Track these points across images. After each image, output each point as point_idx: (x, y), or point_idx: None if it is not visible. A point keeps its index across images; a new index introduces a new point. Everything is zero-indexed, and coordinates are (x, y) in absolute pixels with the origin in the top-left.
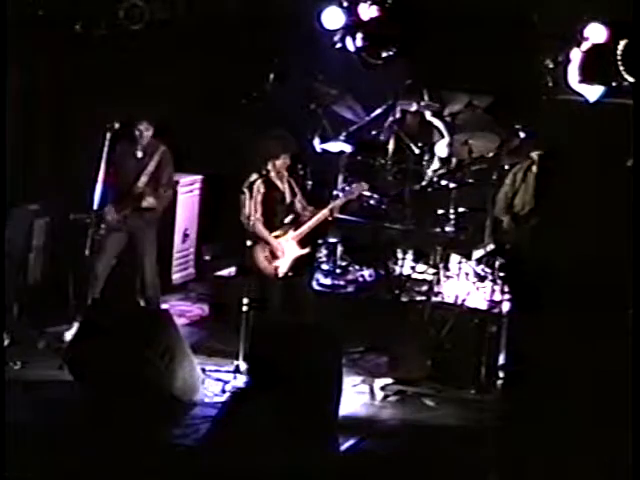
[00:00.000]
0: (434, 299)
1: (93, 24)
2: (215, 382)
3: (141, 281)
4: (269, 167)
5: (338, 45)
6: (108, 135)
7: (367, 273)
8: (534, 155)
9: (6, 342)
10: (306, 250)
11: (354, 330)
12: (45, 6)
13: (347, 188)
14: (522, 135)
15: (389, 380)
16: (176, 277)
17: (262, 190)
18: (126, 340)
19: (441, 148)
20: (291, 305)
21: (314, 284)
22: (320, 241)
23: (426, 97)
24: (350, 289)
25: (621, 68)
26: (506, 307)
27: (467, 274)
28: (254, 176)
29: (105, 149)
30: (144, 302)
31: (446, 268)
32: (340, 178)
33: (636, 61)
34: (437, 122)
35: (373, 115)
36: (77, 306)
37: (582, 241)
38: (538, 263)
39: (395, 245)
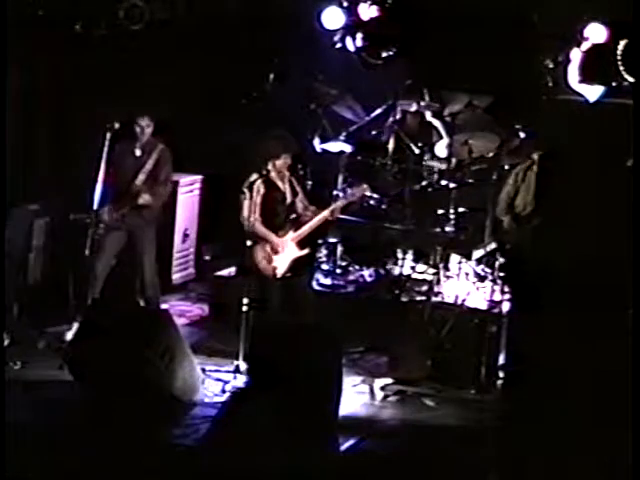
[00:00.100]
0: (434, 299)
1: (93, 24)
2: (215, 382)
3: (141, 281)
4: (269, 167)
5: (338, 45)
6: (108, 135)
7: (367, 273)
8: (535, 156)
9: (6, 342)
10: (305, 251)
11: (354, 330)
12: (45, 6)
13: (349, 190)
14: (522, 135)
15: (389, 380)
16: (176, 277)
17: (262, 190)
18: (126, 340)
19: (441, 148)
20: (291, 305)
21: (314, 284)
22: (320, 241)
23: (426, 97)
24: (350, 289)
25: (621, 68)
26: (506, 307)
27: (467, 274)
28: (254, 176)
29: (105, 149)
30: (144, 302)
31: (446, 268)
32: (340, 178)
33: (636, 61)
34: (437, 122)
35: (373, 115)
36: (77, 306)
37: (582, 241)
38: (538, 263)
39: (395, 245)
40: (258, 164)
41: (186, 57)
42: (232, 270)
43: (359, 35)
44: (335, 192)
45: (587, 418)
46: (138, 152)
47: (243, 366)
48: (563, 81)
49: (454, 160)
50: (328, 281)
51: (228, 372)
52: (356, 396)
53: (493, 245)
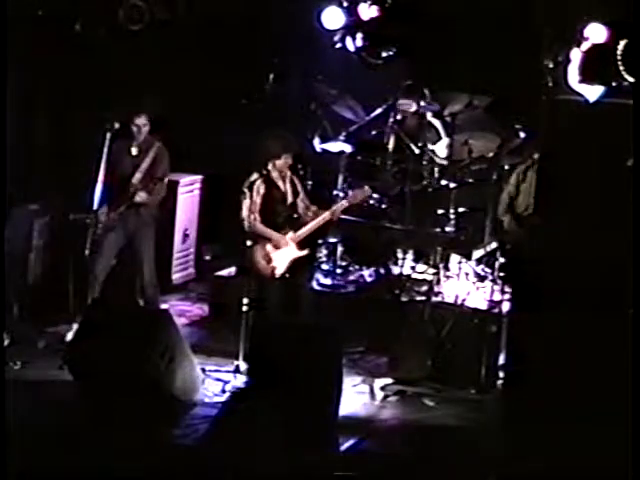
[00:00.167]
0: (434, 299)
1: (93, 24)
2: (215, 382)
3: (140, 281)
4: (270, 167)
5: (338, 45)
6: (108, 135)
7: (367, 273)
8: (536, 156)
9: (6, 342)
10: (305, 252)
11: (354, 330)
12: (45, 6)
13: (350, 192)
14: (522, 135)
15: (389, 380)
16: (176, 277)
17: (262, 190)
18: (126, 340)
19: (441, 148)
20: (290, 305)
21: (314, 284)
22: (320, 241)
23: (428, 97)
24: (350, 289)
25: (621, 68)
26: (506, 307)
27: (467, 274)
28: (254, 176)
29: (105, 149)
30: (144, 302)
31: (446, 268)
32: (340, 178)
33: (636, 61)
34: (437, 122)
35: (373, 115)
36: (77, 306)
37: (582, 241)
38: (538, 263)
39: (395, 245)
40: (259, 164)
41: (186, 57)
42: (232, 270)
43: (359, 35)
44: (335, 192)
45: (587, 418)
46: (135, 151)
47: (243, 366)
48: (563, 81)
49: (452, 160)
50: (328, 281)
51: (228, 372)
52: (356, 396)
53: (493, 245)
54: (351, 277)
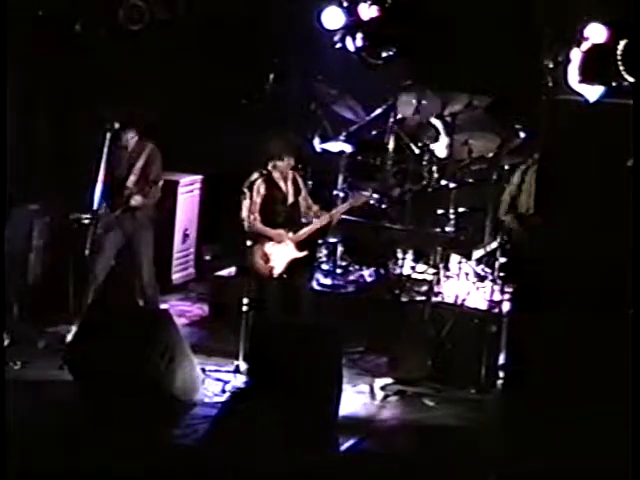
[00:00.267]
0: (434, 299)
1: (93, 24)
2: (215, 382)
3: (139, 282)
4: (271, 167)
5: (338, 45)
6: (108, 135)
7: (367, 273)
8: (537, 156)
9: (6, 342)
10: (303, 253)
11: (354, 330)
12: (45, 6)
13: (350, 193)
14: (522, 135)
15: (389, 380)
16: (176, 277)
17: (262, 190)
18: (126, 340)
19: (441, 148)
20: (290, 305)
21: (314, 284)
22: (320, 241)
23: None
24: (350, 289)
25: (621, 68)
26: (506, 307)
27: (467, 274)
28: (255, 175)
29: (105, 149)
30: (143, 302)
31: (446, 268)
32: (340, 178)
33: (636, 61)
34: (437, 122)
35: (373, 115)
36: (77, 306)
37: (582, 241)
38: (538, 263)
39: (395, 245)
40: (260, 164)
41: (186, 57)
42: (232, 270)
43: (359, 35)
44: (335, 192)
45: (587, 418)
46: (128, 153)
47: (243, 366)
48: (563, 81)
49: (452, 160)
50: (328, 281)
51: (228, 372)
52: (356, 396)
53: (493, 245)
54: (351, 277)
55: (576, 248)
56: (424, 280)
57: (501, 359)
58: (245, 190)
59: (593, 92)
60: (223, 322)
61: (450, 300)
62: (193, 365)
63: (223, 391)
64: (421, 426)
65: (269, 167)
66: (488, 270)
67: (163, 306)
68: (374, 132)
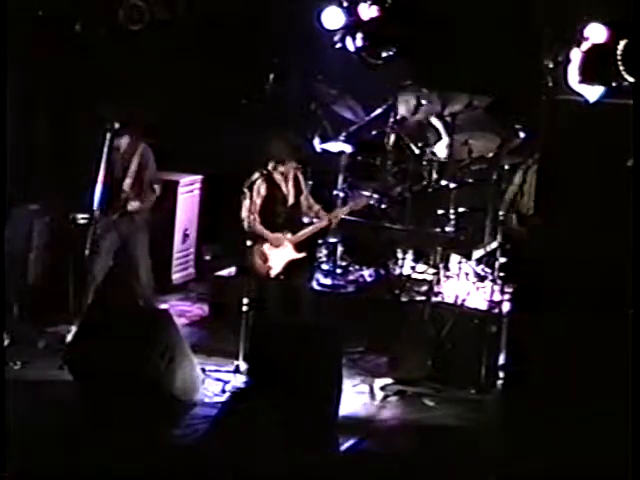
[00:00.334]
0: (434, 299)
1: (93, 24)
2: (215, 382)
3: (137, 283)
4: (271, 168)
5: (338, 45)
6: (108, 135)
7: (367, 273)
8: (537, 156)
9: (6, 342)
10: (301, 254)
11: (354, 330)
12: (45, 6)
13: (350, 195)
14: (522, 135)
15: (389, 380)
16: (176, 277)
17: (263, 190)
18: (126, 340)
19: (441, 148)
20: (290, 305)
21: (314, 284)
22: (320, 241)
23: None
24: (350, 289)
25: (621, 68)
26: (506, 307)
27: (467, 274)
28: (255, 175)
29: (105, 149)
30: (141, 303)
31: (446, 268)
32: (340, 178)
33: (636, 61)
34: (437, 122)
35: (373, 115)
36: (77, 306)
37: (582, 241)
38: (538, 263)
39: (395, 245)
40: (261, 164)
41: (186, 57)
42: (232, 270)
43: (359, 35)
44: (335, 192)
45: (587, 418)
46: (121, 156)
47: (243, 366)
48: (563, 81)
49: (452, 160)
50: (328, 281)
51: (228, 372)
52: (356, 396)
53: (493, 245)
54: (351, 277)
55: (576, 248)
56: (424, 280)
57: (501, 359)
58: (245, 190)
59: (593, 92)
60: (223, 322)
61: (450, 300)
62: (193, 365)
63: (223, 391)
64: (421, 426)
65: (270, 167)
66: (488, 270)
67: (163, 306)
68: (374, 132)
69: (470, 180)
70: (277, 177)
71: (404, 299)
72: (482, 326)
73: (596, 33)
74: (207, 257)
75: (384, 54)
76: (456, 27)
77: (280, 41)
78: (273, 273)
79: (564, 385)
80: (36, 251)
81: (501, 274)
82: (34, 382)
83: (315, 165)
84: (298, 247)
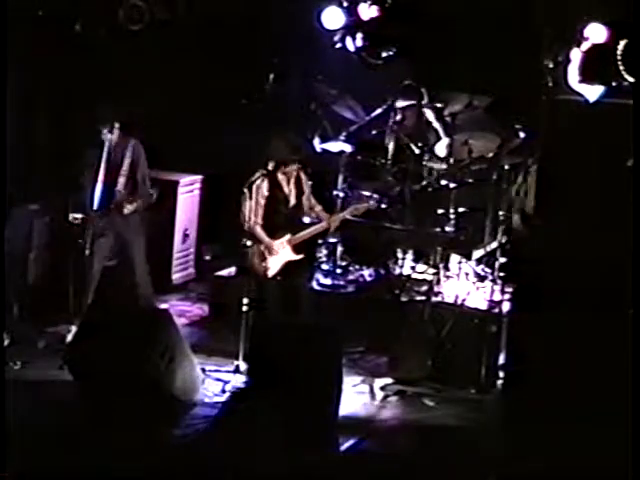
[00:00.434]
0: (434, 299)
1: (93, 24)
2: (215, 382)
3: (134, 283)
4: (272, 167)
5: (338, 45)
6: (109, 136)
7: (367, 273)
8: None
9: (6, 342)
10: (300, 256)
11: (354, 330)
12: (45, 6)
13: (350, 195)
14: (522, 135)
15: (389, 380)
16: (176, 277)
17: (263, 190)
18: (126, 340)
19: (441, 148)
20: (290, 305)
21: (314, 284)
22: (320, 241)
23: (426, 97)
24: (350, 289)
25: (621, 68)
26: (506, 307)
27: (467, 274)
28: (256, 175)
29: (105, 149)
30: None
31: (446, 268)
32: (340, 178)
33: (636, 61)
34: (436, 123)
35: (373, 115)
36: (77, 306)
37: (582, 241)
38: (538, 263)
39: (395, 245)
40: (262, 164)
41: (186, 57)
42: (232, 270)
43: (359, 35)
44: (335, 192)
45: (587, 418)
46: (112, 155)
47: (243, 366)
48: (563, 81)
49: (452, 160)
50: (328, 281)
51: (228, 372)
52: (356, 396)
53: (493, 245)
54: (351, 277)
55: (576, 248)
56: (424, 280)
57: (501, 359)
58: (245, 190)
59: (593, 92)
60: (223, 322)
61: (450, 300)
62: (193, 365)
63: (223, 391)
64: (421, 426)
65: (272, 167)
66: (488, 270)
67: (163, 306)
68: (374, 132)
69: (470, 180)
70: (279, 177)
71: (404, 299)
72: (482, 326)
73: (596, 33)
74: (207, 257)
75: (384, 54)
76: (456, 27)
77: (280, 41)
78: (270, 273)
79: (564, 385)
80: (36, 251)
81: (501, 274)
82: (34, 382)
83: (315, 165)
84: (296, 249)
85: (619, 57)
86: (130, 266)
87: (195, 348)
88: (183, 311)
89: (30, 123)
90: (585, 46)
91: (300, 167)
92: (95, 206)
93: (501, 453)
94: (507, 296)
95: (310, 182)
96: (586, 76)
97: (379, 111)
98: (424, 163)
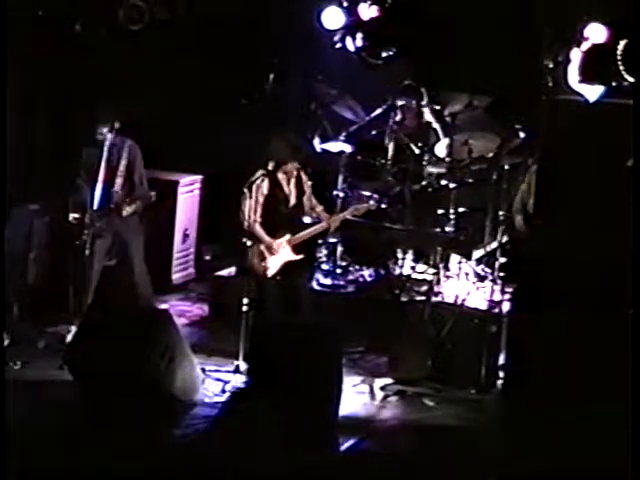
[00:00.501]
0: (434, 299)
1: (93, 24)
2: (215, 382)
3: (134, 283)
4: (273, 167)
5: (338, 45)
6: (109, 136)
7: (367, 273)
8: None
9: (6, 342)
10: (299, 256)
11: (354, 330)
12: (45, 6)
13: (350, 195)
14: (522, 135)
15: (389, 380)
16: (176, 277)
17: (264, 190)
18: (126, 340)
19: (441, 148)
20: (290, 305)
21: (314, 284)
22: (320, 241)
23: (426, 97)
24: (350, 289)
25: (621, 68)
26: (506, 307)
27: (467, 274)
28: (257, 175)
29: (105, 149)
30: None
31: (446, 268)
32: (340, 178)
33: (636, 61)
34: (436, 123)
35: (373, 115)
36: (77, 306)
37: (582, 241)
38: (538, 263)
39: (395, 245)
40: (262, 164)
41: (186, 57)
42: (232, 270)
43: (359, 35)
44: (335, 192)
45: (587, 418)
46: (108, 155)
47: (243, 366)
48: (563, 81)
49: (449, 159)
50: (328, 281)
51: (228, 372)
52: (356, 396)
53: (493, 245)
54: (351, 277)
55: (576, 248)
56: (424, 280)
57: (501, 359)
58: (246, 190)
59: (593, 92)
60: (223, 322)
61: (450, 300)
62: (193, 365)
63: (223, 391)
64: (421, 426)
65: (272, 167)
66: (488, 270)
67: (163, 306)
68: (374, 132)
69: (470, 180)
70: (280, 177)
71: (404, 299)
72: (482, 326)
73: (596, 33)
74: (207, 257)
75: (384, 54)
76: (456, 27)
77: (280, 41)
78: (270, 273)
79: (564, 385)
80: (36, 251)
81: (501, 274)
82: (34, 382)
83: (315, 165)
84: (296, 249)
85: (619, 57)
86: (129, 266)
87: (195, 348)
88: (183, 311)
89: (30, 123)
90: (585, 46)
91: (300, 167)
92: (95, 206)
93: (501, 453)
94: (507, 296)
95: (310, 182)
96: (586, 76)
97: (379, 111)
98: (424, 164)
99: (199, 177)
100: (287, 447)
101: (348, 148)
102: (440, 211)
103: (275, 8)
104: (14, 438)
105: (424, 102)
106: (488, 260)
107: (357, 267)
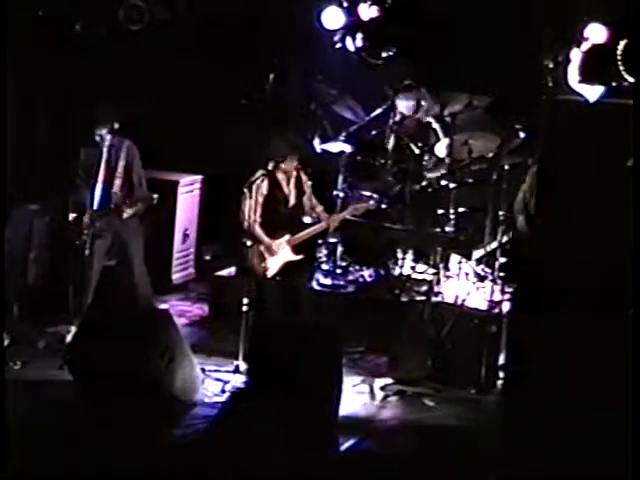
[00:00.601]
0: (434, 299)
1: (93, 24)
2: (215, 382)
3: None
4: (272, 167)
5: (338, 45)
6: (108, 136)
7: (367, 273)
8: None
9: (6, 342)
10: (299, 257)
11: (354, 330)
12: (45, 6)
13: (350, 195)
14: (522, 135)
15: (389, 380)
16: (176, 277)
17: (263, 190)
18: (126, 340)
19: (441, 148)
20: (290, 305)
21: (314, 284)
22: (320, 241)
23: (426, 97)
24: (350, 289)
25: (621, 68)
26: (506, 307)
27: (467, 274)
28: (257, 175)
29: (105, 149)
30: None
31: (446, 268)
32: (340, 178)
33: (636, 61)
34: (435, 123)
35: (373, 115)
36: (77, 306)
37: (582, 241)
38: (538, 263)
39: (395, 245)
40: (262, 164)
41: (186, 57)
42: (232, 270)
43: (359, 35)
44: (335, 192)
45: (587, 418)
46: (107, 156)
47: (243, 366)
48: (563, 81)
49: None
50: (328, 281)
51: (228, 372)
52: (356, 396)
53: (493, 245)
54: (351, 277)
55: (576, 248)
56: (424, 280)
57: (501, 359)
58: (246, 190)
59: (593, 92)
60: (223, 322)
61: (450, 300)
62: (193, 365)
63: (223, 391)
64: (421, 426)
65: (272, 167)
66: (488, 270)
67: (163, 306)
68: (374, 132)
69: (470, 180)
70: (279, 177)
71: (404, 299)
72: (482, 326)
73: (596, 33)
74: (207, 257)
75: (384, 54)
76: (456, 27)
77: (280, 41)
78: (270, 273)
79: (564, 385)
80: (36, 251)
81: (501, 274)
82: (34, 382)
83: (315, 165)
84: (296, 249)
85: (619, 57)
86: (129, 266)
87: (195, 348)
88: (183, 311)
89: (30, 123)
90: (585, 46)
91: (300, 167)
92: (95, 206)
93: (501, 453)
94: (507, 296)
95: (310, 182)
96: (586, 76)
97: (379, 111)
98: (424, 163)
99: (199, 177)
100: (287, 447)
101: (348, 148)
102: (440, 211)
103: (275, 8)
104: (14, 438)
105: (424, 102)
106: (488, 260)
107: (357, 267)
